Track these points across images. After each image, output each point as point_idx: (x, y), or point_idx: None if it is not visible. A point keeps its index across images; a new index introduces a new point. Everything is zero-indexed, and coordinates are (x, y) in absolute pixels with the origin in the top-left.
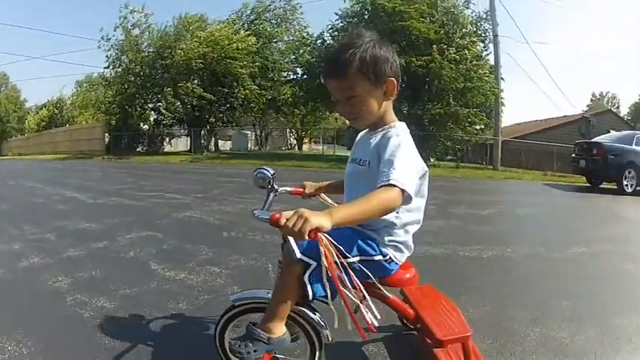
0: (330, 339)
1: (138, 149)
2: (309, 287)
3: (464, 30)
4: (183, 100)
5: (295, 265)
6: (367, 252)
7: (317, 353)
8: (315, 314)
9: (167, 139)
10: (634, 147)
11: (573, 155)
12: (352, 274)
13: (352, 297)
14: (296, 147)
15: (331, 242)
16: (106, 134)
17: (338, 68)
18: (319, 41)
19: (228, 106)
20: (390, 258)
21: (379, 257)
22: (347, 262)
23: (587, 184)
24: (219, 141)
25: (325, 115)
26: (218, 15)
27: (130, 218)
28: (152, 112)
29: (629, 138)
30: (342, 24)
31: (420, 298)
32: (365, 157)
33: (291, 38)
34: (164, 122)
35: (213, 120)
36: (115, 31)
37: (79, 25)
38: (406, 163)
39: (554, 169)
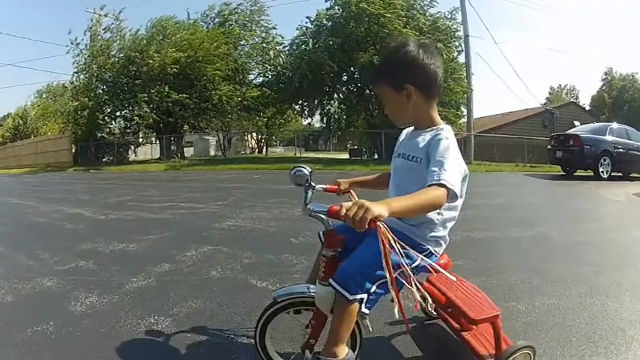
0: (371, 330)
1: (104, 159)
2: (367, 314)
3: (440, 33)
4: (157, 105)
5: (351, 305)
6: (410, 260)
7: (358, 343)
8: None
9: (132, 148)
10: (607, 137)
11: (549, 147)
12: (404, 262)
13: (404, 283)
14: (256, 151)
15: (388, 229)
16: (72, 145)
17: (372, 77)
18: (294, 46)
19: (198, 110)
20: (430, 252)
21: (417, 262)
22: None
23: (562, 173)
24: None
25: (291, 117)
26: (184, 17)
27: (168, 233)
28: (121, 120)
29: (603, 129)
30: (313, 26)
31: (447, 284)
32: (415, 154)
33: (257, 40)
34: (132, 130)
35: (187, 126)
36: (85, 34)
37: (42, 29)
38: (454, 165)
39: (525, 160)
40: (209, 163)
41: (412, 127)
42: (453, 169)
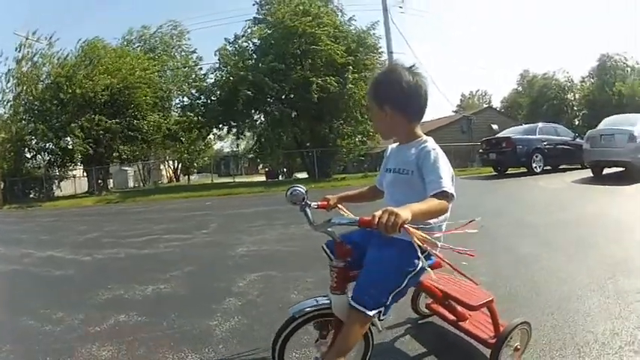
0: (380, 329)
1: (31, 195)
2: (379, 324)
3: (367, 51)
4: (88, 135)
5: (368, 320)
6: (415, 264)
7: (371, 344)
8: None
9: (57, 182)
10: (538, 136)
11: (481, 150)
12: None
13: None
14: (174, 180)
15: (417, 227)
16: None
17: (367, 92)
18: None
19: (126, 139)
20: (429, 254)
21: (420, 264)
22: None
23: (494, 173)
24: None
25: (210, 142)
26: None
27: (189, 267)
28: (46, 152)
29: (533, 129)
30: (232, 48)
31: (442, 281)
32: (406, 167)
33: (179, 65)
34: (58, 163)
35: (117, 155)
36: (14, 61)
37: None
38: (447, 172)
39: (453, 166)
40: (141, 194)
41: (397, 144)
42: (447, 176)
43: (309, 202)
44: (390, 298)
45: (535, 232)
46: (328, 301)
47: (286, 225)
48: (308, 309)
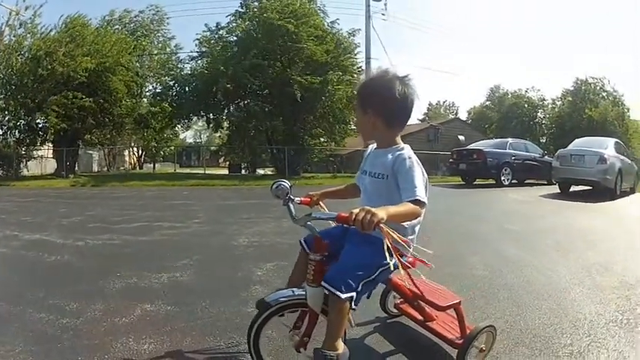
0: (353, 324)
1: None
2: (352, 319)
3: (347, 54)
4: (63, 113)
5: (344, 304)
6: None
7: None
8: None
9: (25, 162)
10: (508, 150)
11: (451, 160)
12: (409, 252)
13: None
14: (137, 167)
15: (390, 229)
16: None
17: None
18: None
19: (98, 123)
20: (401, 253)
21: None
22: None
23: (462, 182)
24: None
25: (178, 131)
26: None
27: (198, 256)
28: (16, 130)
29: (503, 144)
30: (213, 36)
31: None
32: (382, 172)
33: (155, 51)
34: (27, 142)
35: (89, 137)
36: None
37: None
38: (420, 179)
39: None
40: (113, 179)
41: (376, 145)
42: (420, 183)
43: (292, 197)
44: (360, 285)
45: (516, 237)
46: (304, 293)
47: (277, 219)
48: (283, 299)
